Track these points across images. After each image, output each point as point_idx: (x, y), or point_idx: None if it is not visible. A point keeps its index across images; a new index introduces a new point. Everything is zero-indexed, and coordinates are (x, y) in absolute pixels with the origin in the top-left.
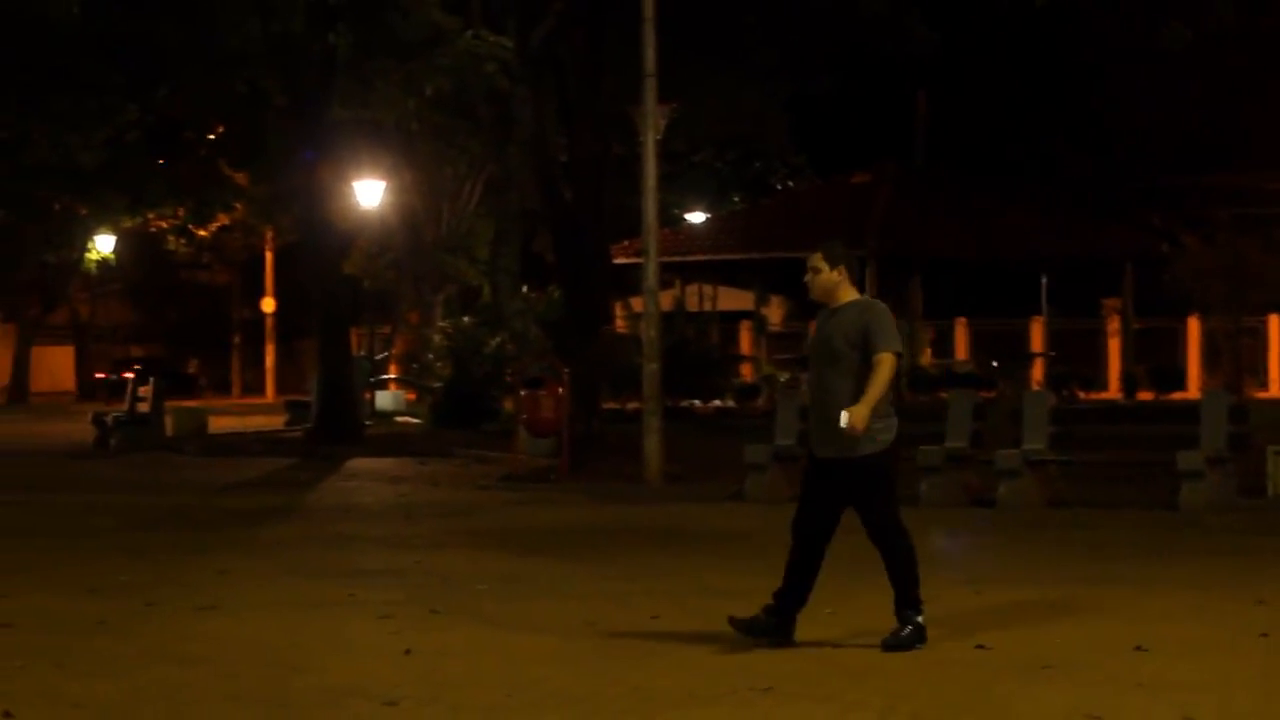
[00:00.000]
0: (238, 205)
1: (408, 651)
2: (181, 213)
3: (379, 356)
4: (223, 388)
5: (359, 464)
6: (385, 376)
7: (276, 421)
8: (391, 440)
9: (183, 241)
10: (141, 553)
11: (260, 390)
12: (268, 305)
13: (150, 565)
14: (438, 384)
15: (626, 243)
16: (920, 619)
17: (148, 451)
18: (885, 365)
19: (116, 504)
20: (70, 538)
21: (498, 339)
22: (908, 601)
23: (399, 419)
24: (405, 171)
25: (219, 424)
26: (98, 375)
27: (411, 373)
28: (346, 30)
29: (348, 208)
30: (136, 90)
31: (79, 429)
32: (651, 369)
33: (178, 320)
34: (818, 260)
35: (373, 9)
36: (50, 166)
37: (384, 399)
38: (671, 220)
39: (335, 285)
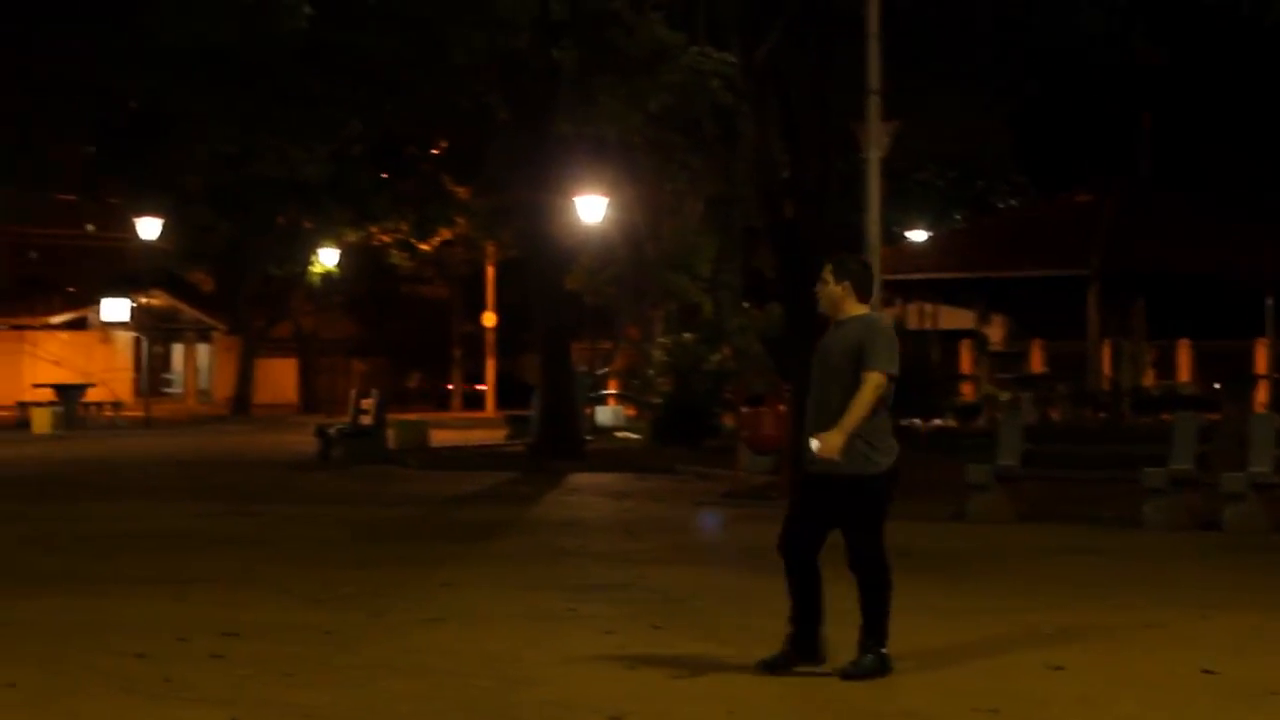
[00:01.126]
0: (460, 220)
1: (632, 666)
2: (404, 227)
3: (599, 372)
4: (442, 401)
5: (580, 479)
6: (605, 392)
7: (497, 435)
8: (612, 455)
9: (405, 255)
10: (366, 564)
11: (480, 404)
12: (489, 320)
13: (375, 577)
14: (658, 400)
15: None
16: (884, 650)
17: (370, 464)
18: (870, 385)
19: (341, 516)
20: (295, 549)
21: (718, 355)
22: (874, 633)
23: (619, 434)
24: (627, 187)
25: (440, 437)
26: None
27: (632, 388)
28: (571, 46)
29: (570, 223)
30: (361, 105)
31: (302, 441)
32: None
33: (399, 334)
34: (826, 272)
35: (598, 25)
36: (276, 180)
37: (604, 414)
38: (892, 238)
39: (557, 300)
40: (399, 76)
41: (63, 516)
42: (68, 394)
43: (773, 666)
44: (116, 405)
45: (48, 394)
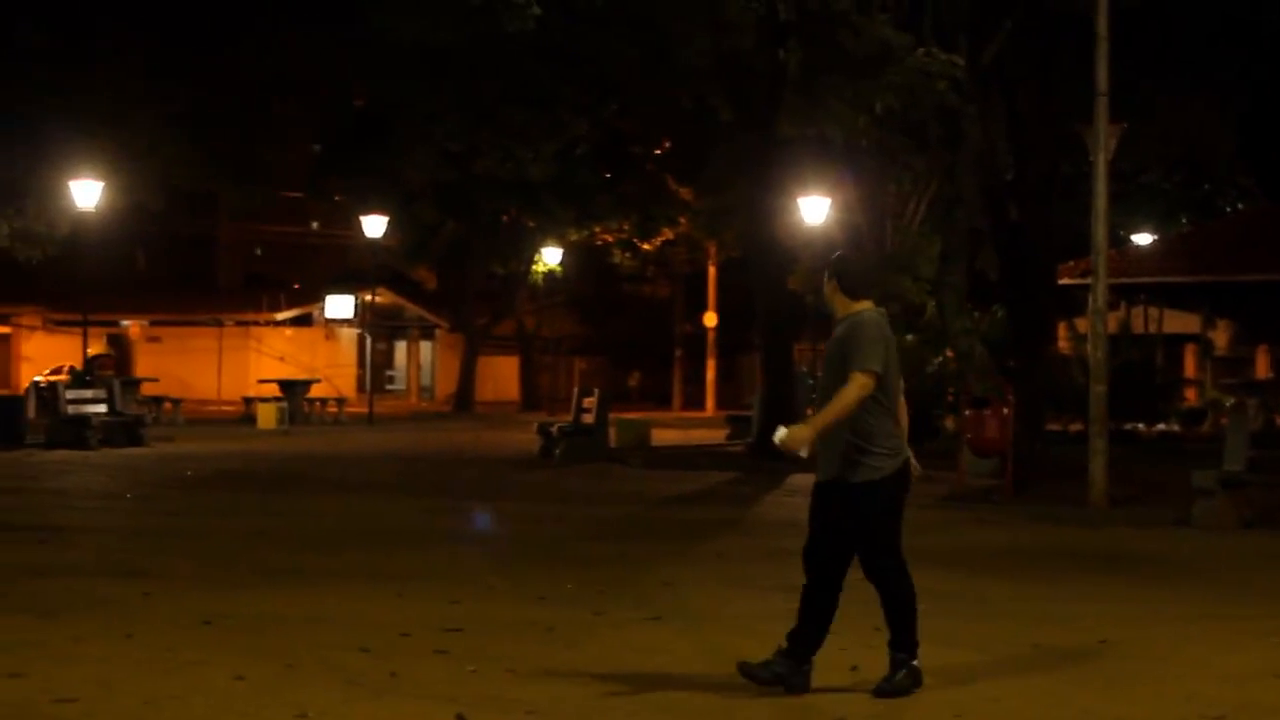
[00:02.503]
0: (682, 219)
1: (854, 668)
2: (627, 226)
3: (820, 373)
4: (663, 400)
5: (800, 479)
6: None
7: (718, 435)
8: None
9: (627, 255)
10: (588, 562)
11: (700, 404)
12: (710, 320)
13: (597, 575)
14: None
15: (1071, 263)
16: (915, 661)
17: (592, 462)
18: (852, 386)
19: (562, 513)
20: (518, 546)
21: (940, 357)
22: (901, 644)
23: None
24: (850, 188)
25: (661, 437)
26: None
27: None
28: (797, 47)
29: (793, 224)
30: (586, 105)
31: (524, 438)
32: (1098, 391)
33: (620, 332)
34: (827, 272)
35: (825, 26)
36: (500, 179)
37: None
38: (1117, 241)
39: (779, 301)
40: (624, 77)
41: (288, 511)
42: (292, 390)
43: (755, 674)
44: (340, 401)
45: (272, 389)
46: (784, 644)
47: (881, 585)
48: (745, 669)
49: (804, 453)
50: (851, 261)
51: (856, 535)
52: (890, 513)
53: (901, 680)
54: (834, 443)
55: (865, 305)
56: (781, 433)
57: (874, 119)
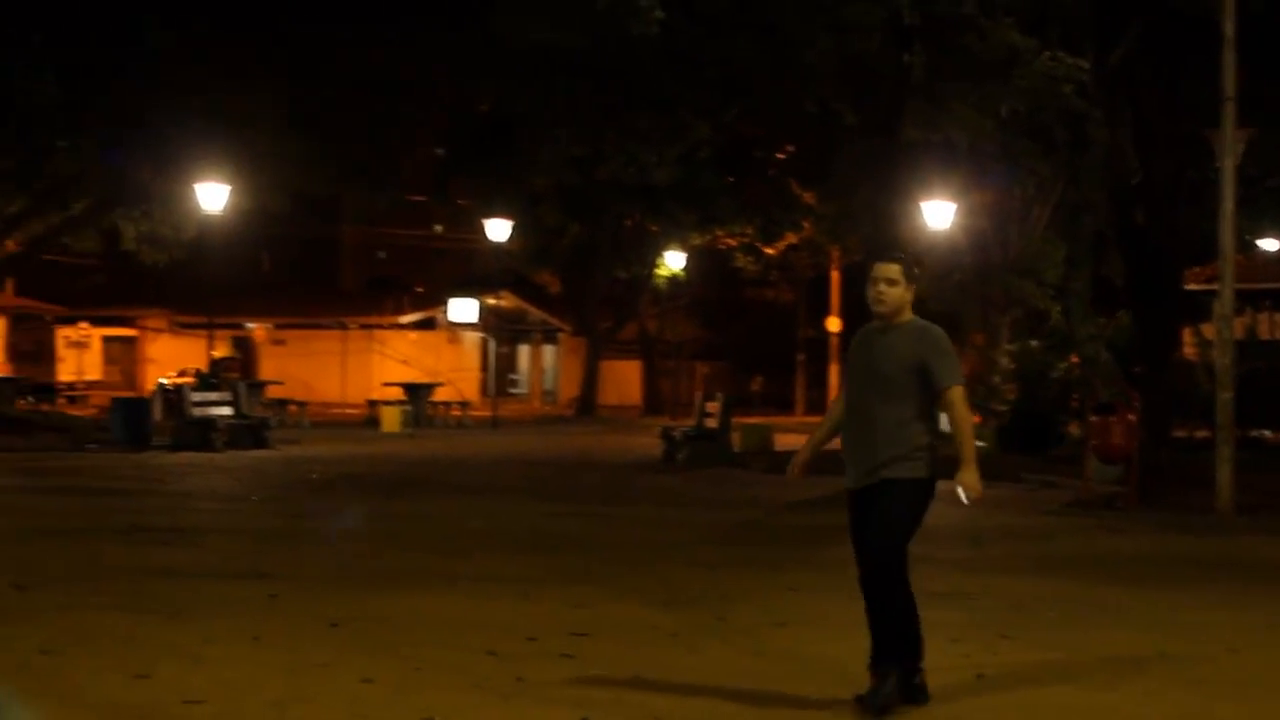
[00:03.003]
0: (806, 224)
1: (980, 676)
2: (750, 230)
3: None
4: (785, 405)
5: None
6: None
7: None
8: (956, 462)
9: (750, 259)
10: (712, 567)
11: (822, 409)
12: (833, 324)
13: (721, 579)
14: (1003, 407)
15: (1197, 268)
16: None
17: (715, 467)
18: (961, 403)
19: (686, 518)
20: (644, 550)
21: (1065, 363)
22: (883, 654)
23: None
24: (974, 193)
25: (783, 441)
26: None
27: (976, 395)
28: (921, 51)
29: (917, 228)
30: (710, 109)
31: (646, 443)
32: (1225, 398)
33: (742, 337)
34: (896, 272)
35: (950, 30)
36: (624, 183)
37: (947, 421)
38: (1244, 246)
39: None
40: (748, 80)
41: (414, 514)
42: (416, 393)
43: (875, 706)
44: (463, 405)
45: (397, 393)
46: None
47: (888, 590)
48: (860, 701)
49: (979, 495)
50: (919, 264)
51: (884, 527)
52: (921, 514)
53: (889, 693)
54: (873, 450)
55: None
56: (965, 495)
57: (999, 123)
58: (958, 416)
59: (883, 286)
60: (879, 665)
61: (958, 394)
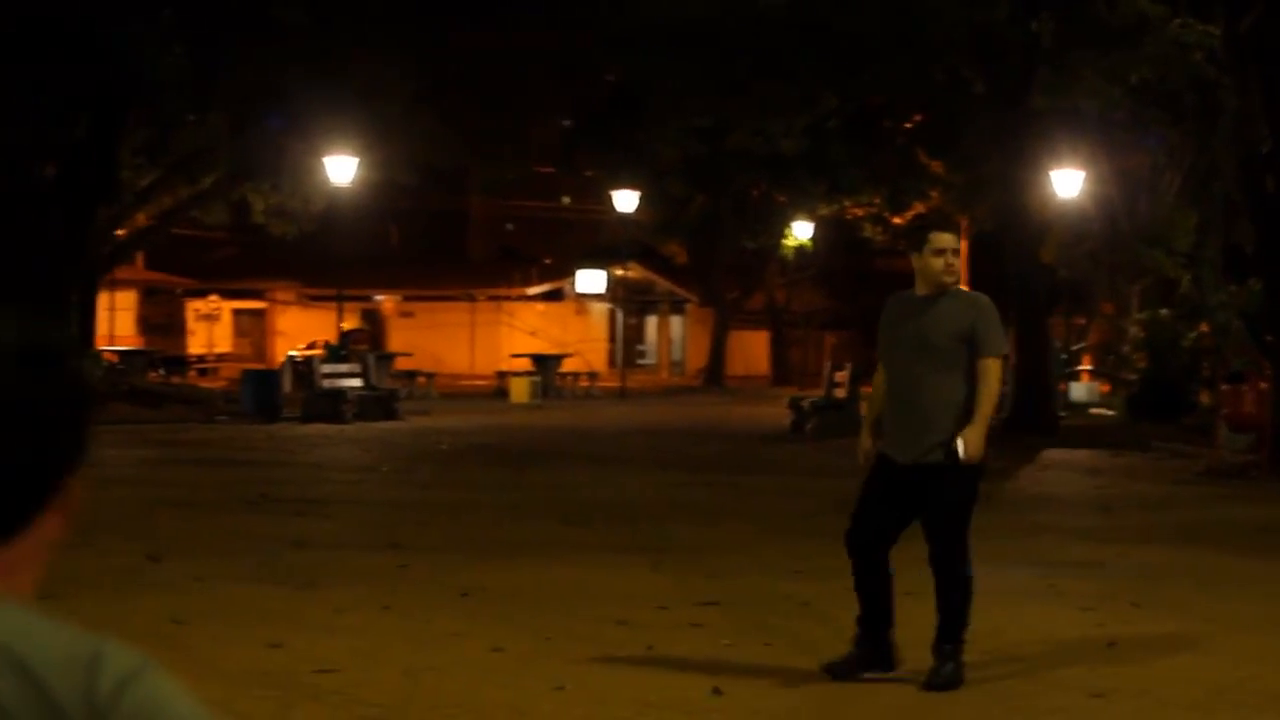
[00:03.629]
0: (934, 194)
1: (1111, 644)
2: (877, 200)
3: (1074, 347)
4: None
5: (1054, 455)
6: (1079, 368)
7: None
8: (1086, 432)
9: (878, 229)
10: (841, 536)
11: None
12: None
13: None
14: (1133, 376)
15: None
16: (962, 658)
17: (843, 437)
18: (994, 373)
19: (815, 488)
20: (773, 520)
21: (1195, 332)
22: (951, 636)
23: (1092, 411)
24: (1103, 161)
25: None
26: None
27: (1106, 364)
28: (1050, 19)
29: (1045, 197)
30: (837, 78)
31: (774, 413)
32: None
33: (870, 307)
34: (957, 241)
35: None
36: (751, 153)
37: (1077, 390)
38: None
39: (1032, 275)
40: (876, 50)
41: (543, 485)
42: (544, 364)
43: (842, 670)
44: (592, 375)
45: (525, 364)
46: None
47: (954, 573)
48: (828, 668)
49: (979, 454)
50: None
51: (951, 518)
52: (978, 495)
53: (950, 673)
54: (925, 423)
55: None
56: (964, 448)
57: (1128, 91)
58: (988, 385)
59: (951, 256)
60: (941, 644)
61: (995, 365)
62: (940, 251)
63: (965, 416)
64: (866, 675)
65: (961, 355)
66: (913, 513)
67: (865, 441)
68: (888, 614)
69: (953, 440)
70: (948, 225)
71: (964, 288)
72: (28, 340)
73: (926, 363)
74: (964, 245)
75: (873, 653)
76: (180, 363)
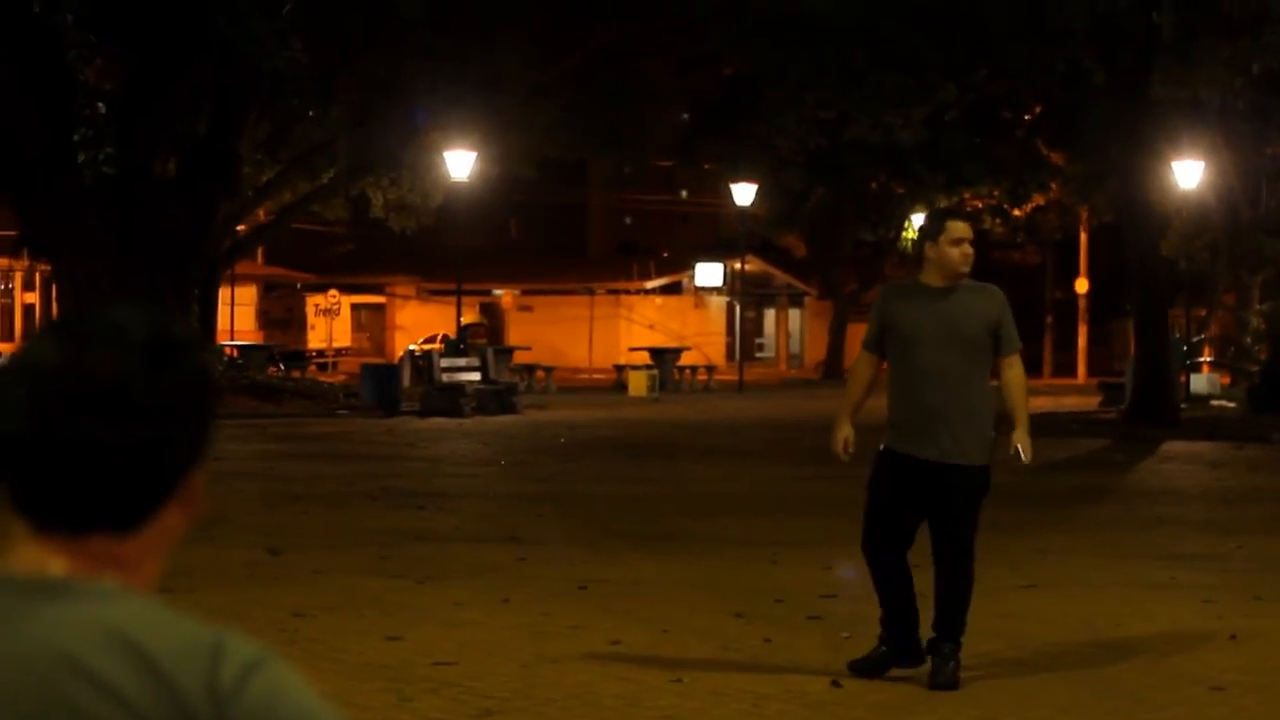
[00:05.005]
0: (1054, 185)
1: (1233, 637)
2: (997, 192)
3: (1194, 339)
4: (1033, 368)
5: (1174, 447)
6: (1200, 359)
7: (1090, 402)
8: (1207, 424)
9: (997, 221)
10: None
11: (1071, 371)
12: (1081, 286)
13: None
14: (1254, 368)
15: None
16: (960, 653)
17: None
18: (1021, 368)
19: None
20: None
21: None
22: (952, 635)
23: (1214, 403)
24: (1224, 151)
25: (1031, 404)
26: None
27: (1227, 356)
28: (1171, 9)
29: (1166, 188)
30: (956, 70)
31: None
32: None
33: None
34: (971, 230)
35: None
36: (870, 145)
37: (1198, 382)
38: None
39: (1153, 266)
40: (996, 40)
41: (661, 478)
42: (662, 357)
43: (870, 668)
44: (710, 369)
45: (643, 357)
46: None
47: (962, 569)
48: (853, 666)
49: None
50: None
51: (967, 516)
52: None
53: (954, 670)
54: (952, 418)
55: None
56: (1024, 453)
57: (1250, 80)
58: (1016, 382)
59: (969, 246)
60: (938, 643)
61: (1019, 361)
62: (958, 241)
63: (990, 420)
64: (892, 673)
65: (989, 350)
66: (927, 509)
67: (845, 430)
68: (911, 612)
69: (993, 440)
70: (964, 215)
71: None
72: (153, 335)
73: (957, 355)
74: (1083, 237)
75: (901, 649)
76: (300, 357)
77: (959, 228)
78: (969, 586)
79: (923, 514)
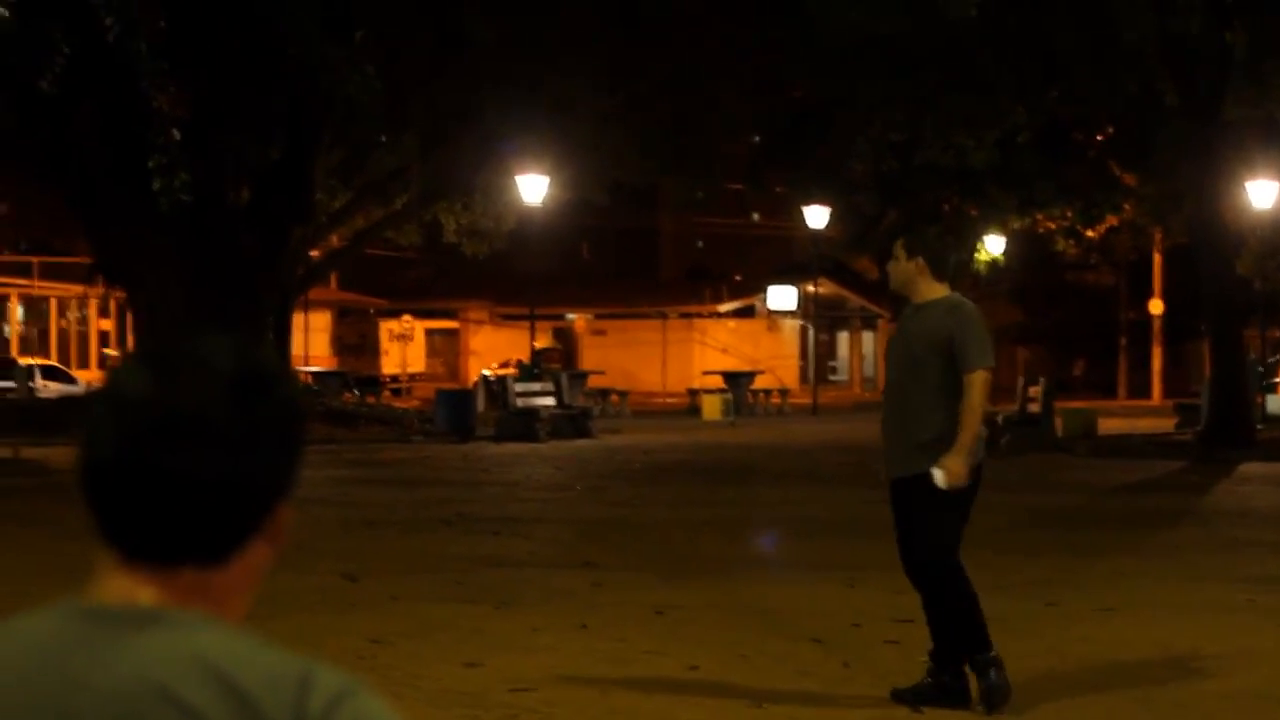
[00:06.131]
0: (1127, 206)
1: None
2: (1070, 213)
3: (1270, 359)
4: (1108, 389)
5: (1251, 468)
6: (1276, 380)
7: (1165, 424)
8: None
9: (1071, 243)
10: (1036, 552)
11: (1146, 393)
12: (1155, 307)
13: (1045, 565)
14: None
15: None
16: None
17: (1038, 452)
18: (978, 388)
19: (1008, 503)
20: (967, 536)
21: None
22: (966, 648)
23: None
24: None
25: (1106, 426)
26: None
27: None
28: (1243, 29)
29: (1240, 208)
30: (1027, 91)
31: None
32: None
33: (1063, 321)
34: (897, 247)
35: (1273, 7)
36: (942, 167)
37: (1274, 402)
38: None
39: (1228, 287)
40: (1067, 61)
41: (736, 502)
42: (736, 381)
43: (916, 699)
44: (783, 392)
45: (717, 381)
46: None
47: (935, 586)
48: (897, 695)
49: (966, 481)
50: (934, 238)
51: (931, 525)
52: (968, 508)
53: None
54: (911, 439)
55: (945, 289)
56: (940, 476)
57: None
58: (970, 402)
59: (889, 264)
60: (941, 665)
61: (979, 378)
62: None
63: (947, 433)
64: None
65: (940, 367)
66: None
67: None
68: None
69: (929, 452)
70: (896, 234)
71: (942, 294)
72: (241, 366)
73: (910, 376)
74: (1156, 258)
75: (943, 682)
76: (374, 383)
77: (895, 245)
78: (957, 598)
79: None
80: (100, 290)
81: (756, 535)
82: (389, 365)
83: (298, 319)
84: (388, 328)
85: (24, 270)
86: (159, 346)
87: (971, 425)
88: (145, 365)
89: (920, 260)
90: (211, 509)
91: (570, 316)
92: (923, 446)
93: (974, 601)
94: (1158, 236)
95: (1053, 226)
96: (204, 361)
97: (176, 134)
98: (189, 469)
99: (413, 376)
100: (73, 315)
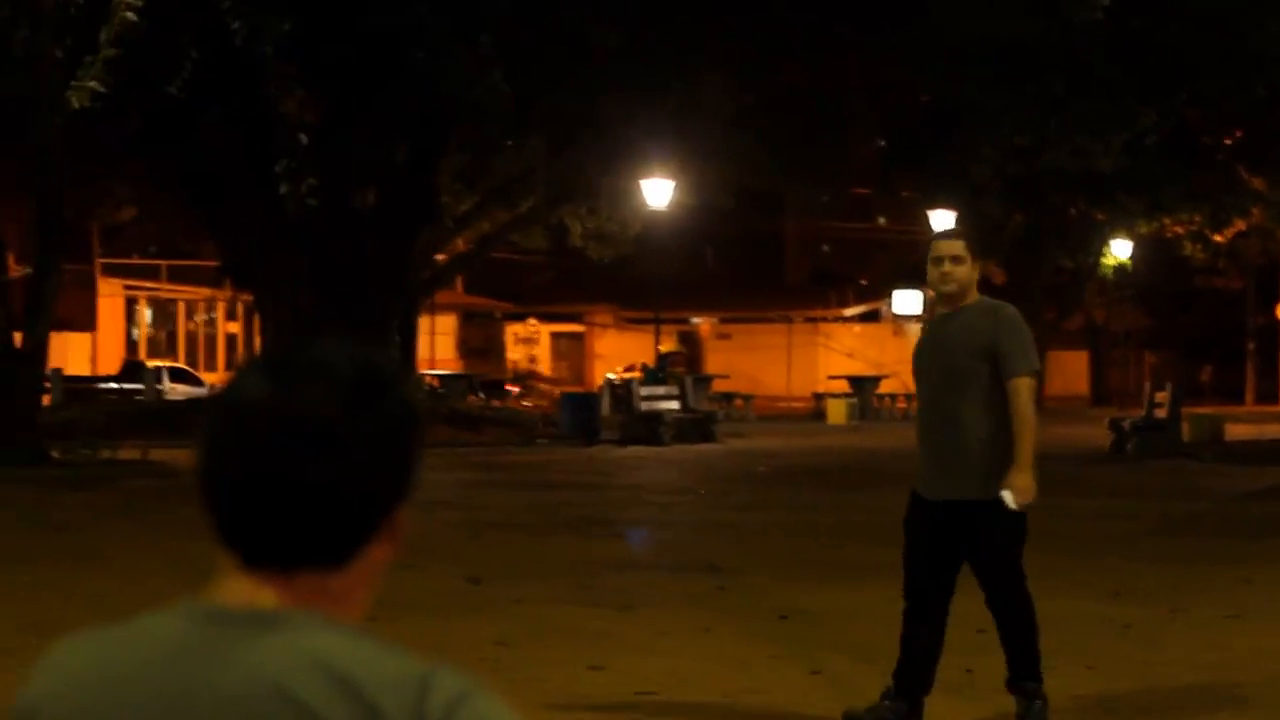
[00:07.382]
0: (1255, 210)
1: None
2: (1198, 218)
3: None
4: (1235, 395)
5: None
6: None
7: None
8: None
9: (1198, 247)
10: (1162, 559)
11: (1274, 398)
12: None
13: (1172, 571)
14: None
15: None
16: (1042, 688)
17: (1164, 457)
18: (1026, 394)
19: (1135, 510)
20: (1092, 541)
21: None
22: (1028, 672)
23: None
24: None
25: (1234, 431)
26: None
27: None
28: None
29: None
30: (1156, 95)
31: (1093, 433)
32: None
33: (1190, 326)
34: (960, 248)
35: None
36: (1068, 172)
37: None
38: None
39: None
40: (1195, 65)
41: (862, 506)
42: (861, 385)
43: None
44: (909, 397)
45: (842, 385)
46: (890, 684)
47: (1013, 608)
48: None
49: (1032, 499)
50: (984, 238)
51: (1000, 553)
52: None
53: (1040, 710)
54: (957, 456)
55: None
56: (1010, 497)
57: None
58: (1019, 411)
59: (948, 265)
60: (1018, 683)
61: (1025, 385)
62: (938, 260)
63: (1000, 447)
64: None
65: (987, 376)
66: (958, 553)
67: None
68: (928, 676)
69: (994, 480)
70: (952, 234)
71: (979, 297)
72: (359, 371)
73: (948, 390)
74: None
75: (903, 714)
76: (499, 386)
77: (940, 245)
78: (1020, 621)
79: (954, 558)
80: (228, 293)
81: (880, 540)
82: (515, 367)
83: (423, 322)
84: (513, 331)
85: (152, 273)
86: (277, 352)
87: (1027, 435)
88: (264, 371)
89: (979, 264)
90: (329, 513)
91: (695, 320)
92: (974, 468)
93: (1037, 628)
94: None
95: (1180, 231)
96: (321, 367)
97: (304, 139)
98: (307, 474)
99: (530, 374)
100: (200, 318)
